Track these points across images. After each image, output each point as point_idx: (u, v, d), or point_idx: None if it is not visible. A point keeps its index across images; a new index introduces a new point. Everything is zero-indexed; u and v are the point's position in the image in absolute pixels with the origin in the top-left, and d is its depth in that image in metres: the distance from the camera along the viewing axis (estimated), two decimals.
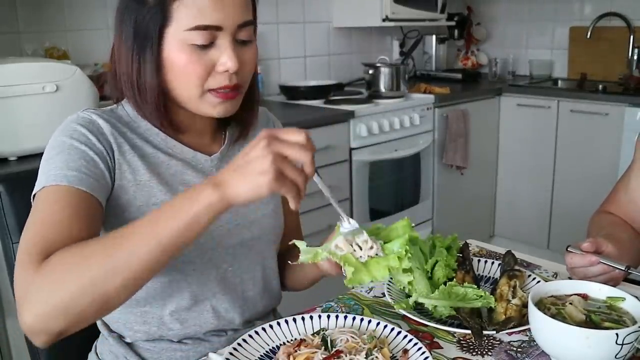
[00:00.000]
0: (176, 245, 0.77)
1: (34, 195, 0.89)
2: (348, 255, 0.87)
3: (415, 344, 0.89)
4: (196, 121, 1.03)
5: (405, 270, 0.89)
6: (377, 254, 0.87)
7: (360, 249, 0.87)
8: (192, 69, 0.93)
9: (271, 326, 0.95)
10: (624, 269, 0.98)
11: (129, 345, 1.04)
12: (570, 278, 1.08)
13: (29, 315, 0.75)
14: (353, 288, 1.04)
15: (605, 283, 0.94)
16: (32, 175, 0.92)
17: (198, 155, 1.04)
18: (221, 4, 0.91)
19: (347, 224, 0.90)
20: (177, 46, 0.92)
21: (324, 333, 0.90)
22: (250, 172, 0.75)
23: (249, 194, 0.76)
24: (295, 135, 0.77)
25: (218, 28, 0.92)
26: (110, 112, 1.02)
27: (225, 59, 0.93)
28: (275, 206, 1.13)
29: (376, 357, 0.84)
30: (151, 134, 1.01)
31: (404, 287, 1.04)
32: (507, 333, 0.95)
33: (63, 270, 0.76)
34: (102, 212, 0.91)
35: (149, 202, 0.97)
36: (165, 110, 0.98)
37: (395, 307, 1.00)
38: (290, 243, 0.94)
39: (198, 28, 0.90)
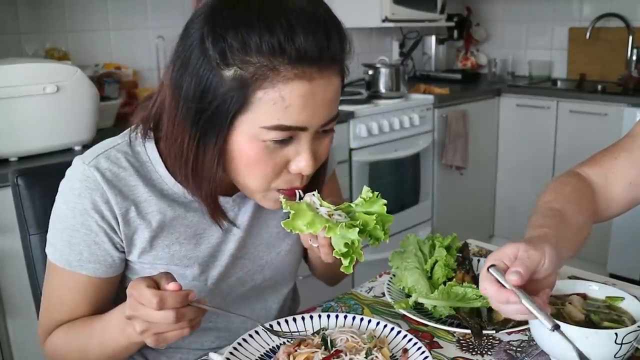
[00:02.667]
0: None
1: (47, 254, 0.94)
2: (302, 203, 0.81)
3: (415, 343, 0.89)
4: None
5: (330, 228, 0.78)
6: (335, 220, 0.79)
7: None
8: (260, 168, 0.80)
9: (271, 326, 0.95)
10: (549, 327, 0.75)
11: None
12: (570, 277, 1.08)
13: None
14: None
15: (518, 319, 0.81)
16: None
17: (219, 199, 0.92)
18: (313, 103, 0.77)
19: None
20: (249, 139, 0.78)
21: (324, 333, 0.90)
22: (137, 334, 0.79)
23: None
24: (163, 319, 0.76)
25: (302, 129, 0.79)
26: (127, 150, 0.90)
27: (301, 160, 0.81)
28: (294, 239, 1.04)
29: (376, 356, 0.84)
30: (167, 182, 0.90)
31: (403, 288, 1.04)
32: (506, 333, 0.95)
33: (52, 352, 0.95)
34: (112, 283, 0.94)
35: (156, 263, 0.93)
36: (217, 192, 0.87)
37: (395, 306, 1.00)
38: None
39: (279, 128, 0.77)
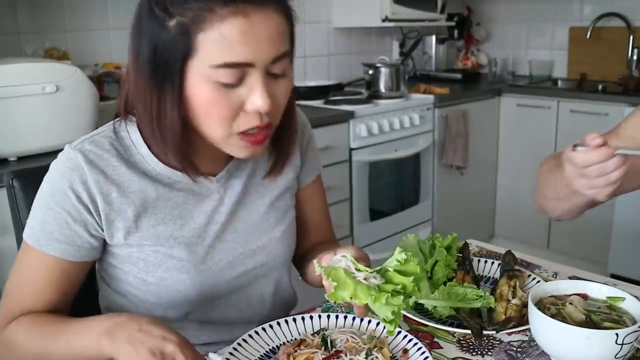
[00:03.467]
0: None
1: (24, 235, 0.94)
2: (339, 270, 0.82)
3: (415, 344, 0.89)
4: (213, 147, 0.91)
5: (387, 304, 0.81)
6: (373, 284, 0.82)
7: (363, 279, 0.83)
8: (217, 110, 0.83)
9: (271, 326, 0.95)
10: None
11: None
12: (571, 277, 1.08)
13: None
14: (335, 303, 0.91)
15: (621, 183, 0.88)
16: (46, 171, 0.94)
17: (202, 179, 0.96)
18: (254, 37, 0.80)
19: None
20: (201, 82, 0.81)
21: (324, 333, 0.90)
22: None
23: None
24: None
25: (249, 65, 0.81)
26: (111, 135, 0.94)
27: (255, 98, 0.82)
28: (286, 226, 1.07)
29: (376, 357, 0.84)
30: (150, 162, 0.93)
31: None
32: (507, 333, 0.95)
33: (7, 346, 0.92)
34: (80, 268, 0.94)
35: (143, 243, 0.95)
36: (186, 146, 0.89)
37: None
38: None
39: (226, 65, 0.80)
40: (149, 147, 0.93)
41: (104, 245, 0.96)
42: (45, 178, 0.93)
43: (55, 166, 0.93)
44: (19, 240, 1.09)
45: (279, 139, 0.97)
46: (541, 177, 1.12)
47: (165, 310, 0.98)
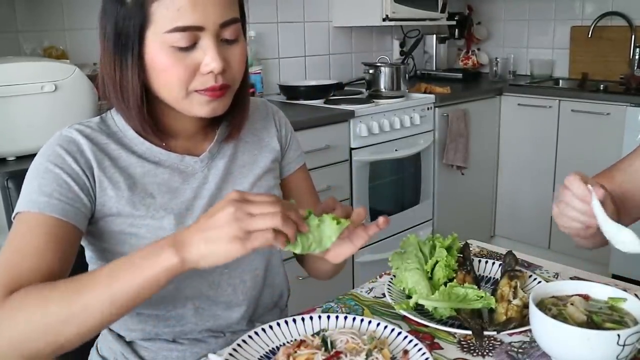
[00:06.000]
0: (131, 303, 0.79)
1: (14, 217, 0.91)
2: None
3: (416, 344, 0.89)
4: (185, 123, 1.01)
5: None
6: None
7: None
8: (174, 72, 0.90)
9: (271, 327, 0.95)
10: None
11: (127, 344, 1.04)
12: (572, 278, 1.07)
13: None
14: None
15: (574, 228, 0.95)
16: None
17: (186, 159, 1.02)
18: (201, 3, 0.88)
19: None
20: (158, 48, 0.89)
21: (324, 334, 0.90)
22: (216, 239, 0.75)
23: (213, 260, 0.76)
24: (265, 200, 0.77)
25: (199, 28, 0.88)
26: (99, 122, 1.01)
27: (208, 59, 0.90)
28: None
29: (376, 357, 0.84)
30: (136, 143, 0.99)
31: (403, 289, 1.04)
32: (508, 334, 0.94)
33: (22, 311, 0.79)
34: (78, 236, 0.92)
35: (134, 214, 0.96)
36: (150, 113, 0.96)
37: (395, 307, 1.00)
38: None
39: (177, 29, 0.87)
40: (134, 130, 0.99)
41: (96, 227, 0.96)
42: (37, 155, 0.95)
43: (47, 144, 0.96)
44: None
45: (233, 108, 1.02)
46: None
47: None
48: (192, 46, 0.89)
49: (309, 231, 0.81)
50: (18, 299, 0.80)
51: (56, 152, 0.93)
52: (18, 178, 1.09)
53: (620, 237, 0.90)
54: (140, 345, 1.03)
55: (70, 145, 0.94)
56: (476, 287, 1.01)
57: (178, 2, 0.87)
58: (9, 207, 1.09)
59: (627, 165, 1.18)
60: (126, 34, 0.90)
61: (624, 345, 0.77)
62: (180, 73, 0.90)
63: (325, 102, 2.83)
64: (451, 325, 0.97)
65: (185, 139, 1.03)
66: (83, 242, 1.00)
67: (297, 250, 0.80)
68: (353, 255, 2.70)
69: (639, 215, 1.16)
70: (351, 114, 2.59)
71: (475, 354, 0.90)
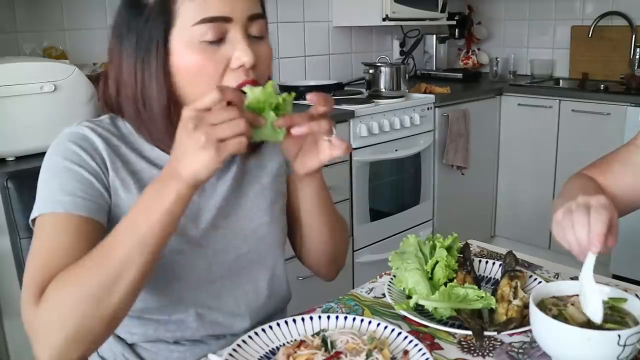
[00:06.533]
0: (162, 239, 0.80)
1: (33, 220, 0.89)
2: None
3: (416, 345, 0.89)
4: None
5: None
6: None
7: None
8: (205, 69, 0.86)
9: (271, 327, 0.95)
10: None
11: (128, 345, 1.03)
12: (573, 278, 1.07)
13: (43, 353, 0.78)
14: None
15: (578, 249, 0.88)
16: (40, 172, 0.93)
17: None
18: None
19: None
20: (186, 47, 0.86)
21: (324, 334, 0.90)
22: (193, 153, 0.75)
23: (206, 171, 0.76)
24: (221, 108, 0.75)
25: (227, 19, 0.86)
26: (107, 122, 0.97)
27: (239, 52, 0.87)
28: (276, 212, 1.09)
29: (376, 358, 0.84)
30: (146, 149, 0.97)
31: (403, 289, 1.04)
32: (508, 334, 0.94)
33: (64, 298, 0.78)
34: (102, 231, 0.89)
35: None
36: (171, 124, 0.89)
37: (395, 307, 1.00)
38: None
39: (205, 21, 0.85)
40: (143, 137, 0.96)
41: (107, 226, 0.94)
42: (49, 155, 0.92)
43: (58, 141, 0.92)
44: (14, 241, 1.08)
45: None
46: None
47: (160, 297, 0.98)
48: (220, 40, 0.87)
49: (265, 125, 0.82)
50: (52, 292, 0.79)
51: (71, 150, 0.91)
52: (18, 178, 1.09)
53: (589, 307, 0.84)
54: (141, 346, 1.03)
55: (84, 142, 0.92)
56: (476, 287, 1.00)
57: None
58: (9, 208, 1.09)
59: (627, 158, 1.17)
60: (149, 38, 0.86)
61: (624, 346, 0.77)
62: (210, 70, 0.87)
63: None
64: (451, 326, 0.97)
65: None
66: None
67: (252, 140, 0.81)
68: (353, 256, 2.71)
69: (630, 209, 1.16)
70: (351, 114, 2.59)
71: (475, 354, 0.90)
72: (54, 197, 0.88)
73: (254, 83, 0.89)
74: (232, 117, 0.75)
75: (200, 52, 0.86)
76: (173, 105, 0.90)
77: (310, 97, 0.89)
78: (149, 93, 0.89)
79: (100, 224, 0.90)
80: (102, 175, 0.92)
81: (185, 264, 0.98)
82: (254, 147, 1.05)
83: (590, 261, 0.86)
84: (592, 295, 0.84)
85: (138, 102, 0.90)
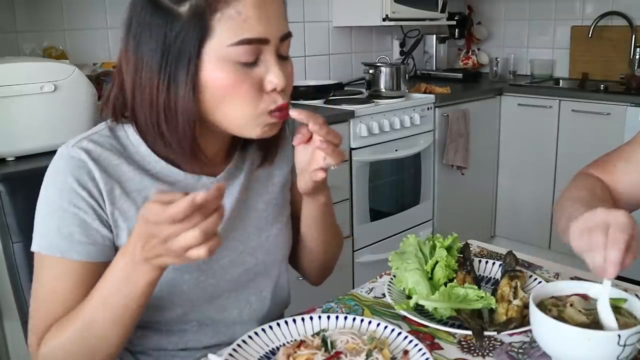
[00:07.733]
0: (140, 308, 0.84)
1: (32, 250, 0.91)
2: None
3: (416, 345, 0.89)
4: (214, 144, 0.94)
5: None
6: None
7: None
8: (239, 89, 0.83)
9: (271, 327, 0.94)
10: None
11: (130, 352, 1.03)
12: (573, 278, 1.07)
13: None
14: None
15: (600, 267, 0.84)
16: (33, 174, 0.93)
17: (203, 179, 0.96)
18: (266, 14, 0.82)
19: None
20: (219, 63, 0.82)
21: (324, 334, 0.90)
22: (155, 257, 0.75)
23: (176, 263, 0.75)
24: (176, 214, 0.69)
25: (264, 41, 0.83)
26: (106, 135, 0.93)
27: (272, 76, 0.84)
28: (283, 223, 1.08)
29: (376, 358, 0.84)
30: (150, 161, 0.92)
31: (403, 289, 1.04)
32: (508, 334, 0.94)
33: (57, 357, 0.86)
34: (105, 267, 0.87)
35: None
36: (194, 140, 0.87)
37: (395, 307, 1.00)
38: None
39: (243, 42, 0.81)
40: (148, 146, 0.92)
41: None
42: (47, 183, 0.89)
43: (55, 167, 0.89)
44: (5, 244, 1.07)
45: None
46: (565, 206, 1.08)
47: (164, 312, 0.97)
48: (255, 61, 0.84)
49: None
50: (44, 352, 0.87)
51: (69, 185, 0.87)
52: (17, 179, 1.09)
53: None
54: (143, 352, 1.02)
55: (81, 174, 0.87)
56: (476, 287, 1.00)
57: (245, 13, 0.81)
58: (1, 211, 1.08)
59: (631, 156, 1.16)
60: (179, 50, 0.81)
61: (624, 346, 0.77)
62: (246, 90, 0.84)
63: (325, 102, 2.82)
64: (451, 326, 0.97)
65: (202, 158, 0.94)
66: None
67: None
68: (353, 256, 2.71)
69: (636, 207, 1.15)
70: (351, 114, 2.59)
71: (475, 354, 0.90)
72: (51, 240, 0.87)
73: (287, 106, 0.88)
74: (188, 227, 0.70)
75: (233, 71, 0.83)
76: (197, 119, 0.86)
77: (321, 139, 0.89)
78: (174, 108, 0.84)
79: (101, 263, 0.89)
80: (100, 211, 0.89)
81: (192, 282, 0.96)
82: (269, 157, 1.03)
83: (606, 287, 0.83)
84: (607, 319, 0.82)
85: (159, 112, 0.85)
